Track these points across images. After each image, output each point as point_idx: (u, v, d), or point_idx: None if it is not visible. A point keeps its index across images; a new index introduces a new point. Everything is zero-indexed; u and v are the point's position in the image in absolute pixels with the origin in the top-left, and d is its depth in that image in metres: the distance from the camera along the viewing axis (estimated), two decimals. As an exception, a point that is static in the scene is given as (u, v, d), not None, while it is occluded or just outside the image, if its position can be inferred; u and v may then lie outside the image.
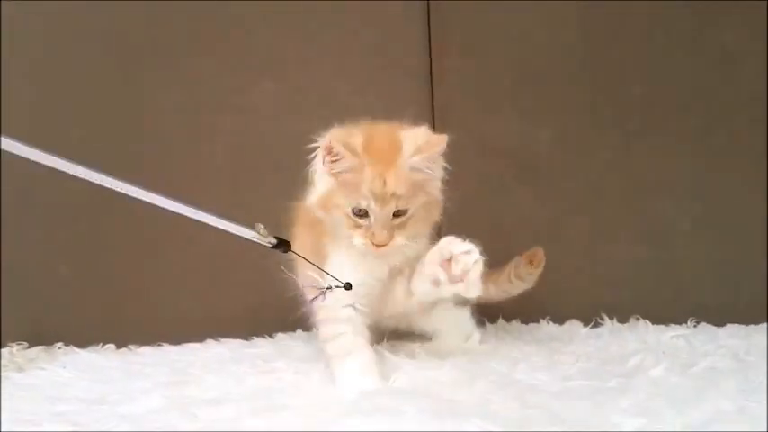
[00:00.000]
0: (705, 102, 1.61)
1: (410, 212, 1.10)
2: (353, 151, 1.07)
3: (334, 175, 1.10)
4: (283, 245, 1.04)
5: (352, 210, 1.09)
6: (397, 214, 1.09)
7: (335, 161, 1.08)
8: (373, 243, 1.07)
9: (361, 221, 1.09)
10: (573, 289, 1.58)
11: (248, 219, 1.58)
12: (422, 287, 1.10)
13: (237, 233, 1.01)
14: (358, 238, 1.09)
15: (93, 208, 1.63)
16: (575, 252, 1.60)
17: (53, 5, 1.65)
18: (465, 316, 1.35)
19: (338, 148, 1.07)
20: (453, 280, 1.05)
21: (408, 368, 1.10)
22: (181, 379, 1.15)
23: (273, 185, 1.56)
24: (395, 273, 1.16)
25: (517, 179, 1.62)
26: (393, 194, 1.07)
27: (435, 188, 1.13)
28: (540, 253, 1.36)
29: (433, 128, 1.63)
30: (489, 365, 1.15)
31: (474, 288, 1.05)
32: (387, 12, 1.65)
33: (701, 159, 1.61)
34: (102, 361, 1.32)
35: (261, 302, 1.58)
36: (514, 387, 1.02)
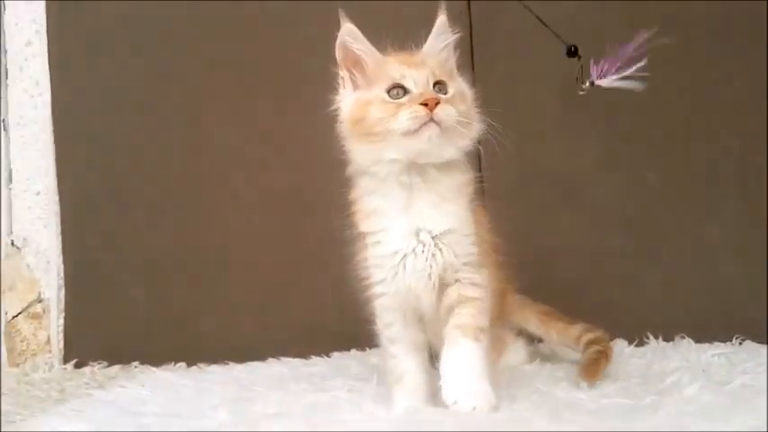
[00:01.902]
0: (748, 123, 1.64)
1: (450, 92, 1.06)
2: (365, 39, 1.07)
3: (355, 75, 1.08)
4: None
5: (388, 92, 1.04)
6: (437, 88, 1.05)
7: (353, 47, 1.07)
8: (422, 104, 1.00)
9: (402, 99, 1.03)
10: (619, 309, 1.62)
11: (304, 246, 1.71)
12: None
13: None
14: (403, 113, 1.01)
15: (165, 238, 1.78)
16: (620, 273, 1.64)
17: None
18: (520, 344, 1.42)
19: (354, 29, 1.07)
20: None
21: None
22: (246, 396, 1.25)
23: (327, 212, 1.67)
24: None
25: (561, 200, 1.67)
26: (423, 62, 1.06)
27: (465, 86, 1.13)
28: (600, 366, 1.24)
29: (479, 152, 1.71)
30: (532, 384, 1.21)
31: None
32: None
33: (745, 179, 1.63)
34: (175, 379, 1.43)
35: (317, 324, 1.69)
36: (553, 404, 1.08)
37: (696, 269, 1.64)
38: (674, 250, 1.65)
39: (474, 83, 1.67)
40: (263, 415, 1.10)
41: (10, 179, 1.85)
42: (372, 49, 1.09)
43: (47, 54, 1.84)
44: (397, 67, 1.05)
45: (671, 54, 1.66)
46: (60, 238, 1.83)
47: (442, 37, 1.11)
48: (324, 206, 1.65)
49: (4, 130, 1.85)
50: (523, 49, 1.71)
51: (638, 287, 1.64)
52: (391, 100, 1.04)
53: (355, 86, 1.10)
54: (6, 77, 1.85)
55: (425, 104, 1.01)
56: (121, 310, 1.78)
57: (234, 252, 1.77)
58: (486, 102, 1.66)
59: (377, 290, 1.12)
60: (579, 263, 1.64)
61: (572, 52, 0.97)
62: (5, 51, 1.85)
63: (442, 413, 1.00)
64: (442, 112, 1.01)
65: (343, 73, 1.11)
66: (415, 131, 1.01)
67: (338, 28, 1.10)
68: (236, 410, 1.12)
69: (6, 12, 1.85)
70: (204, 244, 1.77)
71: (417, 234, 1.06)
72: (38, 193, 1.86)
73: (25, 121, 1.86)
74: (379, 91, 1.05)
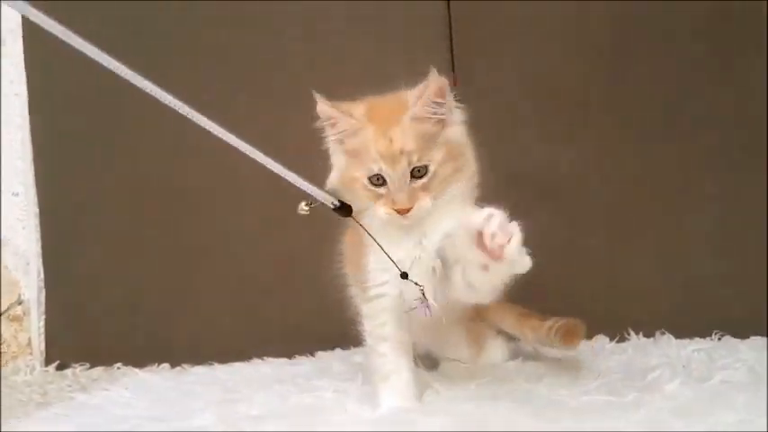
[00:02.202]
0: (728, 118, 1.65)
1: (432, 169, 1.05)
2: (347, 113, 1.06)
3: (339, 144, 1.09)
4: (345, 209, 1.03)
5: (369, 179, 1.05)
6: (417, 175, 1.04)
7: (333, 126, 1.08)
8: (395, 210, 1.03)
9: (381, 190, 1.05)
10: (600, 305, 1.63)
11: (287, 245, 1.71)
12: (475, 276, 0.99)
13: (304, 188, 1.01)
14: (380, 209, 1.04)
15: (146, 238, 1.76)
16: (600, 269, 1.66)
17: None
18: (500, 341, 1.41)
19: (328, 111, 1.06)
20: (495, 256, 0.92)
21: (437, 385, 1.17)
22: (230, 397, 1.25)
23: (311, 211, 1.67)
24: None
25: (540, 200, 1.68)
26: (402, 151, 1.02)
27: (459, 134, 1.10)
28: (577, 330, 1.27)
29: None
30: (515, 382, 1.21)
31: (518, 264, 0.95)
32: (409, 40, 1.72)
33: (725, 174, 1.65)
34: (158, 381, 1.43)
35: (302, 323, 1.68)
36: (536, 403, 1.08)
37: (675, 265, 1.65)
38: (653, 247, 1.67)
39: (454, 83, 1.71)
40: (247, 417, 1.10)
41: (-13, 180, 1.83)
42: (350, 122, 1.07)
43: (22, 53, 1.81)
44: (375, 158, 1.04)
45: (649, 53, 1.69)
46: (40, 239, 1.81)
47: (436, 106, 1.06)
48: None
49: (-19, 130, 1.83)
50: (503, 49, 1.71)
51: (619, 284, 1.66)
52: (372, 187, 1.06)
53: (340, 144, 1.10)
54: (-19, 77, 1.82)
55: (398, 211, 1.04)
56: (103, 311, 1.77)
57: (217, 251, 1.76)
58: (466, 102, 1.70)
59: (378, 291, 1.12)
60: (559, 260, 1.65)
61: (404, 276, 1.04)
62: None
63: (427, 413, 1.01)
64: (416, 211, 1.04)
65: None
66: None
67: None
68: (220, 412, 1.12)
69: (-21, 11, 1.82)
70: (187, 244, 1.76)
71: (420, 241, 1.08)
72: (16, 194, 1.84)
73: (1, 122, 1.83)
74: (361, 174, 1.06)
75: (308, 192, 1.00)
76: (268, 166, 0.98)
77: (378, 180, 1.05)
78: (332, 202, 1.02)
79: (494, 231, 0.90)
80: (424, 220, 1.07)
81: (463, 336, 1.35)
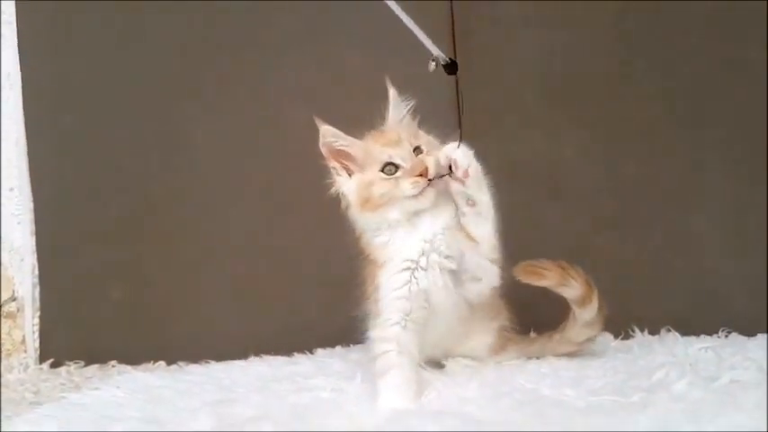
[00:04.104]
0: (733, 114, 1.63)
1: (425, 149, 1.21)
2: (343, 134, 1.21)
3: (345, 163, 1.22)
4: (453, 66, 1.23)
5: (383, 170, 1.19)
6: (416, 153, 1.20)
7: (336, 146, 1.21)
8: (419, 175, 1.16)
9: (397, 174, 1.18)
10: (605, 301, 1.60)
11: (286, 242, 1.69)
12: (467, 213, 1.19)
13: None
14: (405, 184, 1.17)
15: (142, 234, 1.74)
16: (604, 265, 1.62)
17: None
18: (520, 347, 1.38)
19: (330, 134, 1.21)
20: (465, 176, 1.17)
21: (438, 384, 1.15)
22: (226, 397, 1.22)
23: (309, 208, 1.65)
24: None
25: (545, 196, 1.65)
26: (399, 137, 1.21)
27: (424, 134, 1.26)
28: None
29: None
30: (516, 381, 1.18)
31: (477, 181, 1.18)
32: (413, 38, 1.70)
33: (731, 170, 1.62)
34: (153, 380, 1.39)
35: (301, 320, 1.66)
36: (539, 403, 1.06)
37: (680, 261, 1.63)
38: (658, 243, 1.64)
39: (456, 78, 1.68)
40: (243, 418, 1.07)
41: (-18, 175, 1.80)
42: (353, 140, 1.22)
43: (17, 47, 1.78)
44: (381, 149, 1.20)
45: (656, 44, 1.66)
46: (34, 235, 1.78)
47: (398, 107, 1.25)
48: (306, 203, 1.65)
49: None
50: (505, 42, 1.69)
51: (623, 280, 1.62)
52: (388, 177, 1.19)
53: (348, 172, 1.23)
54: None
55: (420, 175, 1.17)
56: (98, 308, 1.74)
57: (215, 248, 1.74)
58: (469, 95, 1.68)
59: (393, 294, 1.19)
60: (564, 256, 1.62)
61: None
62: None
63: (427, 415, 0.98)
64: (433, 170, 1.17)
65: (333, 164, 1.23)
66: (418, 194, 1.17)
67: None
68: (215, 414, 1.08)
69: (-26, 4, 1.79)
70: (184, 240, 1.74)
71: (422, 248, 1.19)
72: (11, 190, 1.81)
73: (-1, 116, 1.81)
74: (374, 172, 1.20)
75: (424, 42, 1.22)
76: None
77: (391, 170, 1.19)
78: (443, 59, 1.23)
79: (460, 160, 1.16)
80: (423, 231, 1.20)
81: (487, 336, 1.35)
